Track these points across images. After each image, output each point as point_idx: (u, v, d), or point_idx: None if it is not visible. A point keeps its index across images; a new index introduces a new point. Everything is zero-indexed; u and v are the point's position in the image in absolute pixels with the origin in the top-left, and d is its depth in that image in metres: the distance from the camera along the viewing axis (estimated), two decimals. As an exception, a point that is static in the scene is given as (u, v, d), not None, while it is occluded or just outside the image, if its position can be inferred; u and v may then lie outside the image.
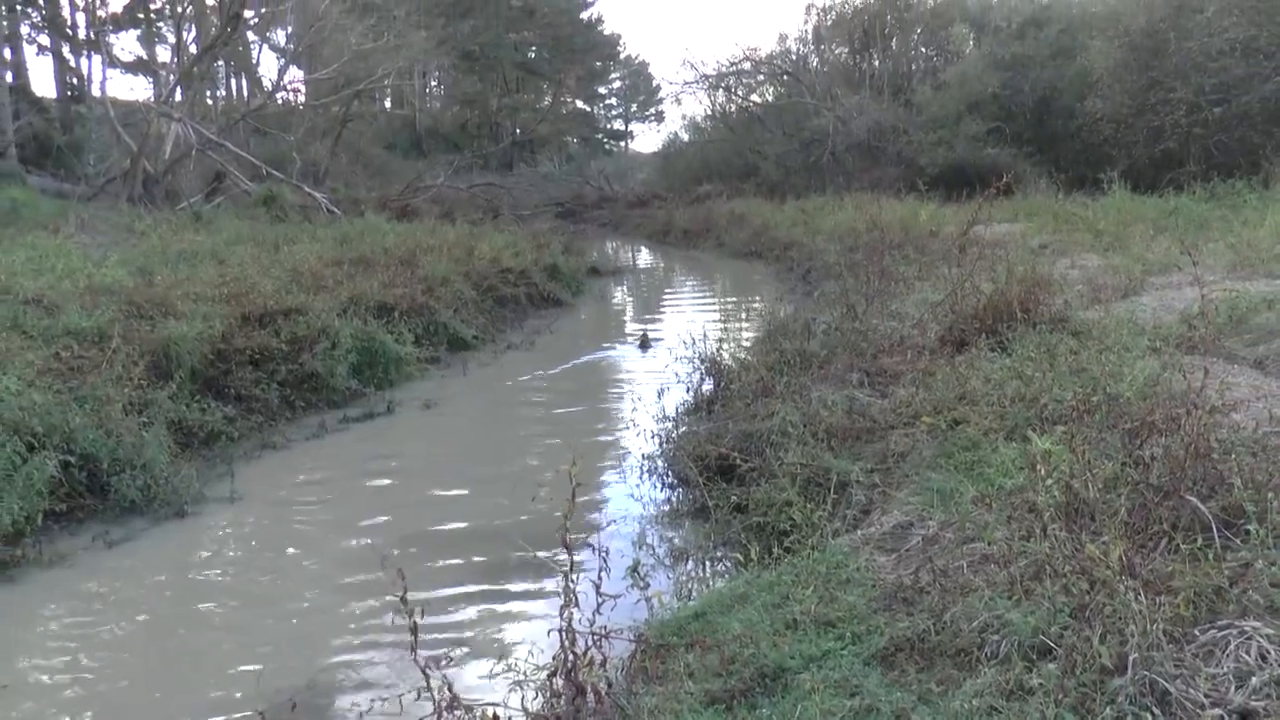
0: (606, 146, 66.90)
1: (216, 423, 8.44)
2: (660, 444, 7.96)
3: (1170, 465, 3.98)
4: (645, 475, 7.69)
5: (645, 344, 14.00)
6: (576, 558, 3.63)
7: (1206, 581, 3.29)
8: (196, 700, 4.73)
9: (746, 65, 40.69)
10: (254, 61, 36.61)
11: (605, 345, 14.43)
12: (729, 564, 5.74)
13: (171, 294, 10.19)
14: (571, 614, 3.53)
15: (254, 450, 8.60)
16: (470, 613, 5.59)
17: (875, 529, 4.98)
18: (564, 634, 3.51)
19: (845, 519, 5.43)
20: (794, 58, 41.35)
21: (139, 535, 6.75)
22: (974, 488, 4.76)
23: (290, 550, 6.66)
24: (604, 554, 3.96)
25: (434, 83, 55.44)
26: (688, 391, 9.25)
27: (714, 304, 19.47)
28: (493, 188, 34.71)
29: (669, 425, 8.29)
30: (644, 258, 31.54)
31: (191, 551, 6.63)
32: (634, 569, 5.53)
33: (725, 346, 9.47)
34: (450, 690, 3.36)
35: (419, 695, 3.35)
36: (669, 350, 9.91)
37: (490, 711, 3.42)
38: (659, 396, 9.31)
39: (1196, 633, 3.12)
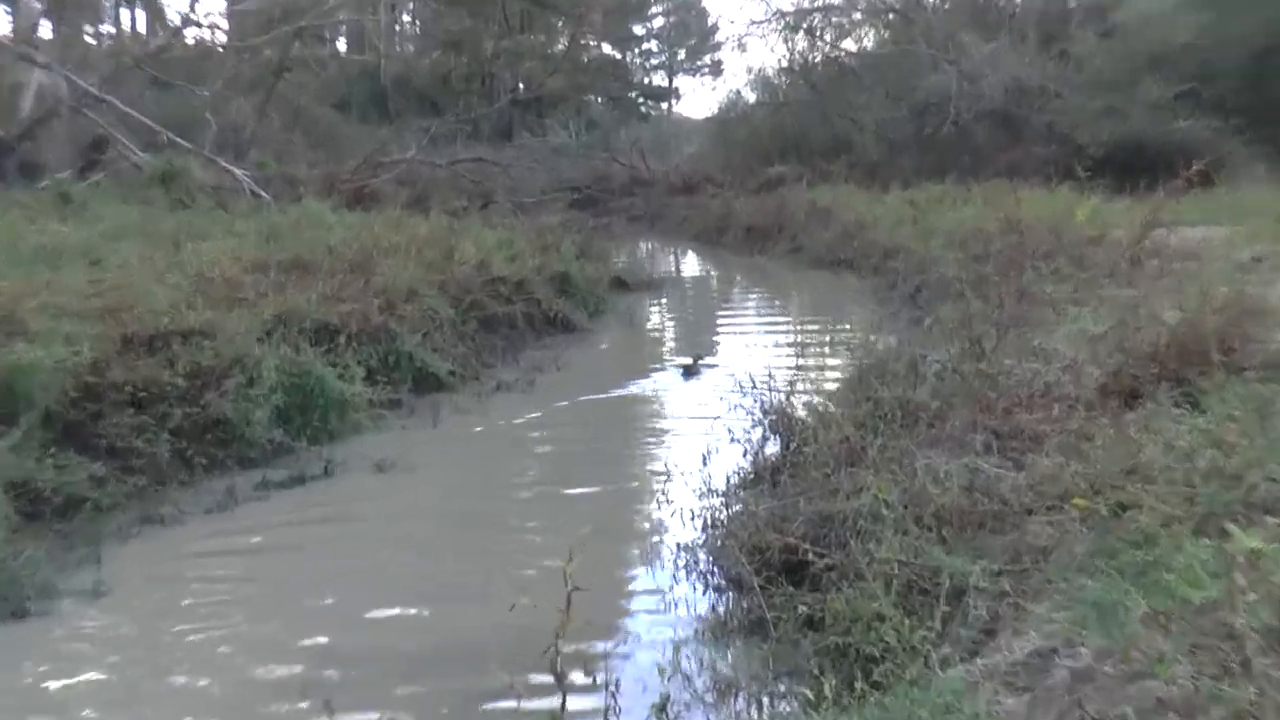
0: (643, 109, 67.42)
1: (79, 485, 8.47)
2: (704, 528, 7.94)
3: None
4: (681, 572, 7.65)
5: (692, 370, 14.38)
6: (580, 685, 3.56)
7: None
8: None
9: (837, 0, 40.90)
10: (157, -14, 37.20)
11: (632, 379, 14.64)
12: (794, 702, 5.66)
13: (21, 306, 10.23)
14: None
15: (131, 525, 8.63)
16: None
17: (1003, 657, 4.90)
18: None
19: (960, 641, 5.36)
20: (904, -11, 41.54)
21: (-44, 642, 6.76)
22: (1146, 601, 4.66)
23: (176, 667, 6.63)
24: (614, 687, 3.90)
25: (406, 18, 56.09)
26: (745, 455, 9.22)
27: (785, 332, 19.49)
28: (484, 164, 34.89)
29: (716, 502, 8.25)
30: (691, 265, 31.71)
31: (34, 666, 6.60)
32: (661, 708, 5.46)
33: (799, 393, 9.41)
34: None
35: None
36: (721, 399, 9.89)
37: None
38: (704, 461, 9.26)
39: None
